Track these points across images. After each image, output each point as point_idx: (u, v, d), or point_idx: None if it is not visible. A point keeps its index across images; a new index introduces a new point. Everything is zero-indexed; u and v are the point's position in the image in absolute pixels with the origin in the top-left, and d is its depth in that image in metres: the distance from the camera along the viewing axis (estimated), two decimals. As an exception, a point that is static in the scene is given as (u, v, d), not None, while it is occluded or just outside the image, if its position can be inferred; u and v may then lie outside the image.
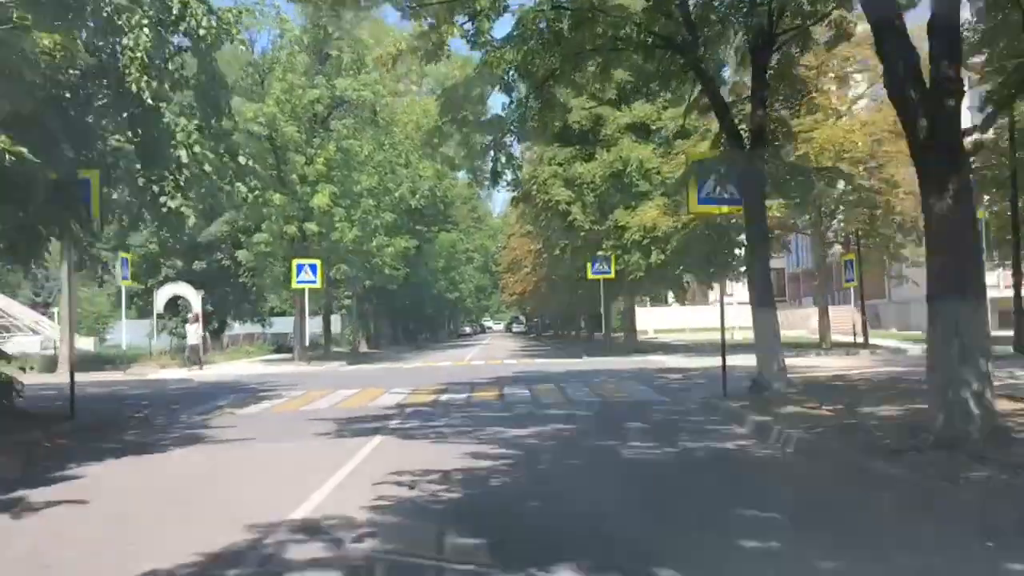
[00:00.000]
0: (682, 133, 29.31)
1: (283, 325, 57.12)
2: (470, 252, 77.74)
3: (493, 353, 43.22)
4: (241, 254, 35.40)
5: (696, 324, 49.66)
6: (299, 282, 32.35)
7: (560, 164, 31.98)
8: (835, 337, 30.74)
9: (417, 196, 43.13)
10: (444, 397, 17.25)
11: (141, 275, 38.01)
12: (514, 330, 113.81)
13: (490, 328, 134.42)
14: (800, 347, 28.35)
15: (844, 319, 33.90)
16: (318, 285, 32.69)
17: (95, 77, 13.49)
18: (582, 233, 31.80)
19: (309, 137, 33.13)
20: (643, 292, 38.97)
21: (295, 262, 32.35)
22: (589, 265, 34.18)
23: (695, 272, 32.98)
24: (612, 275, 33.83)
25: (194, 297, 38.86)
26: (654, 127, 31.70)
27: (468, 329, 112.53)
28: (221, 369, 31.41)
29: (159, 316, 38.30)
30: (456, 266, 69.51)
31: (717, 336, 14.55)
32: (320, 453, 10.26)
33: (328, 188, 32.06)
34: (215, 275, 40.04)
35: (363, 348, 49.56)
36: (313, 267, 32.37)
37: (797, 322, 45.67)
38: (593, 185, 31.08)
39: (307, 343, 34.83)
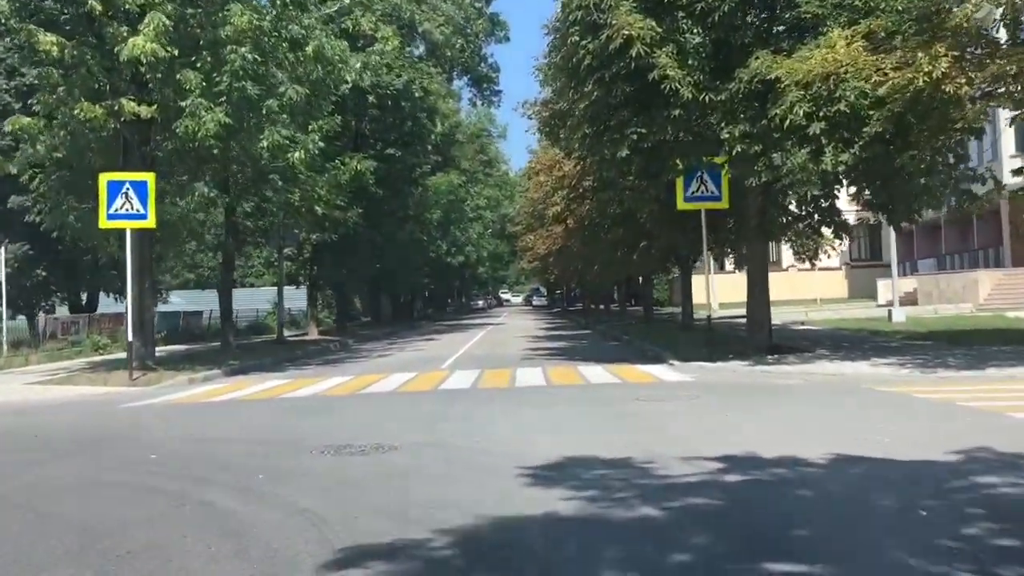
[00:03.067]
0: None
1: (206, 301, 41.46)
2: (479, 207, 61.24)
3: (499, 345, 26.93)
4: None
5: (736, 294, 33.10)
6: (112, 216, 16.29)
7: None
8: None
9: (370, 72, 26.21)
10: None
11: None
12: (534, 303, 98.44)
13: (508, 301, 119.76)
14: None
15: None
16: (149, 221, 16.54)
17: None
18: (675, 115, 15.19)
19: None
20: (788, 236, 20.96)
21: (104, 179, 16.26)
22: (680, 185, 17.74)
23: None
24: (724, 202, 17.65)
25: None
26: None
27: (481, 303, 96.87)
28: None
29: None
30: (458, 221, 53.14)
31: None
32: None
33: (158, 19, 15.73)
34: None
35: (313, 334, 33.49)
36: (140, 187, 16.27)
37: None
38: (705, 4, 14.63)
39: (155, 335, 18.72)
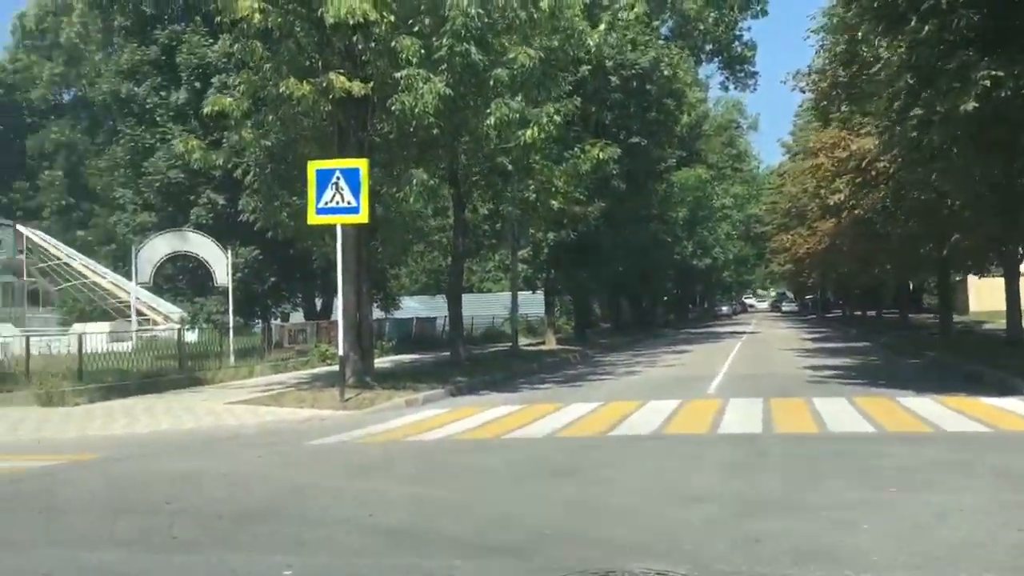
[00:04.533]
0: None
1: (442, 307, 39.81)
2: (725, 207, 56.36)
3: (765, 361, 22.71)
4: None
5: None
6: (321, 211, 13.95)
7: None
8: None
9: (612, 47, 22.63)
10: None
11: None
12: (784, 309, 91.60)
13: (752, 307, 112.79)
14: None
15: None
16: (361, 216, 14.03)
17: None
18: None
19: None
20: None
21: (313, 168, 13.96)
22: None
23: None
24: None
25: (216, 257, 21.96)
26: None
27: (725, 309, 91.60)
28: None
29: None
30: (706, 220, 48.70)
31: None
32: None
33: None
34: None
35: (550, 343, 30.63)
36: (351, 176, 13.81)
37: None
38: None
39: (358, 346, 16.35)
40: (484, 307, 41.08)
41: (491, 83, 14.79)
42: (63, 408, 14.43)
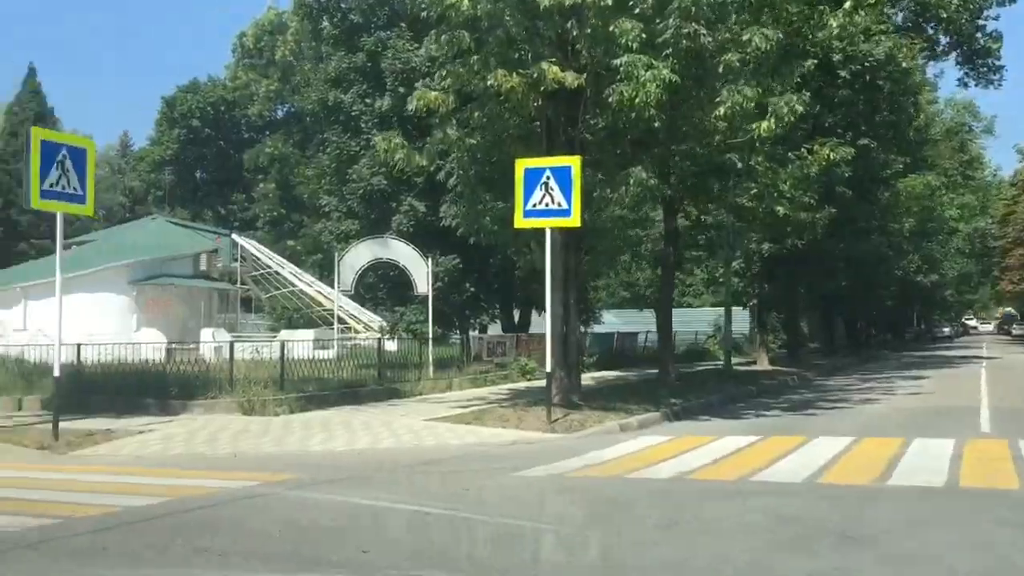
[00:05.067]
0: None
1: (640, 321, 37.87)
2: (952, 218, 51.17)
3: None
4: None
5: None
6: (529, 213, 12.77)
7: None
8: None
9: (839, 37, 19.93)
10: None
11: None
12: (1015, 332, 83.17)
13: (975, 329, 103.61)
14: None
15: None
16: (572, 219, 12.70)
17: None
18: None
19: None
20: None
21: (521, 166, 12.80)
22: None
23: None
24: None
25: (417, 265, 21.41)
26: None
27: (947, 330, 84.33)
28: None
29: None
30: (933, 232, 44.28)
31: None
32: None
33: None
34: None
35: (762, 364, 28.28)
36: (562, 175, 12.56)
37: None
38: None
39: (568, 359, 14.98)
40: (685, 323, 38.91)
41: (719, 69, 13.08)
42: (263, 418, 13.95)
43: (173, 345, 21.11)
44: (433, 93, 13.57)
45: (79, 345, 15.97)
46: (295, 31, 55.69)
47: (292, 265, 35.70)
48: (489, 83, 13.04)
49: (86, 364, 16.23)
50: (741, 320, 36.26)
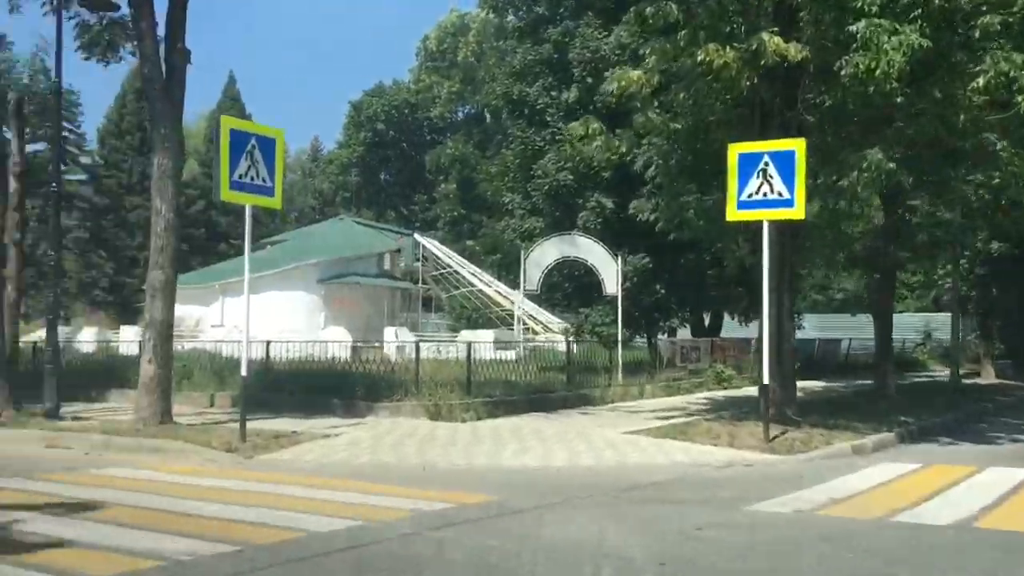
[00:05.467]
0: None
1: (837, 326, 34.89)
2: None
3: None
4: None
5: None
6: (743, 205, 11.29)
7: None
8: None
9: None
10: None
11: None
12: None
13: None
14: None
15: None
16: (796, 211, 11.10)
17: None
18: None
19: None
20: None
21: (735, 152, 11.37)
22: None
23: None
24: None
25: (606, 264, 20.23)
26: None
27: None
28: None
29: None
30: None
31: None
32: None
33: None
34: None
35: (988, 377, 25.26)
36: (782, 160, 11.05)
37: None
38: None
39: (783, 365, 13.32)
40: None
41: (978, 33, 11.11)
42: (450, 424, 13.16)
43: (359, 343, 20.93)
44: (635, 73, 12.28)
45: (268, 343, 15.81)
46: (477, 32, 55.99)
47: (472, 265, 35.39)
48: (699, 59, 11.64)
49: (275, 361, 16.08)
50: (943, 327, 32.87)
